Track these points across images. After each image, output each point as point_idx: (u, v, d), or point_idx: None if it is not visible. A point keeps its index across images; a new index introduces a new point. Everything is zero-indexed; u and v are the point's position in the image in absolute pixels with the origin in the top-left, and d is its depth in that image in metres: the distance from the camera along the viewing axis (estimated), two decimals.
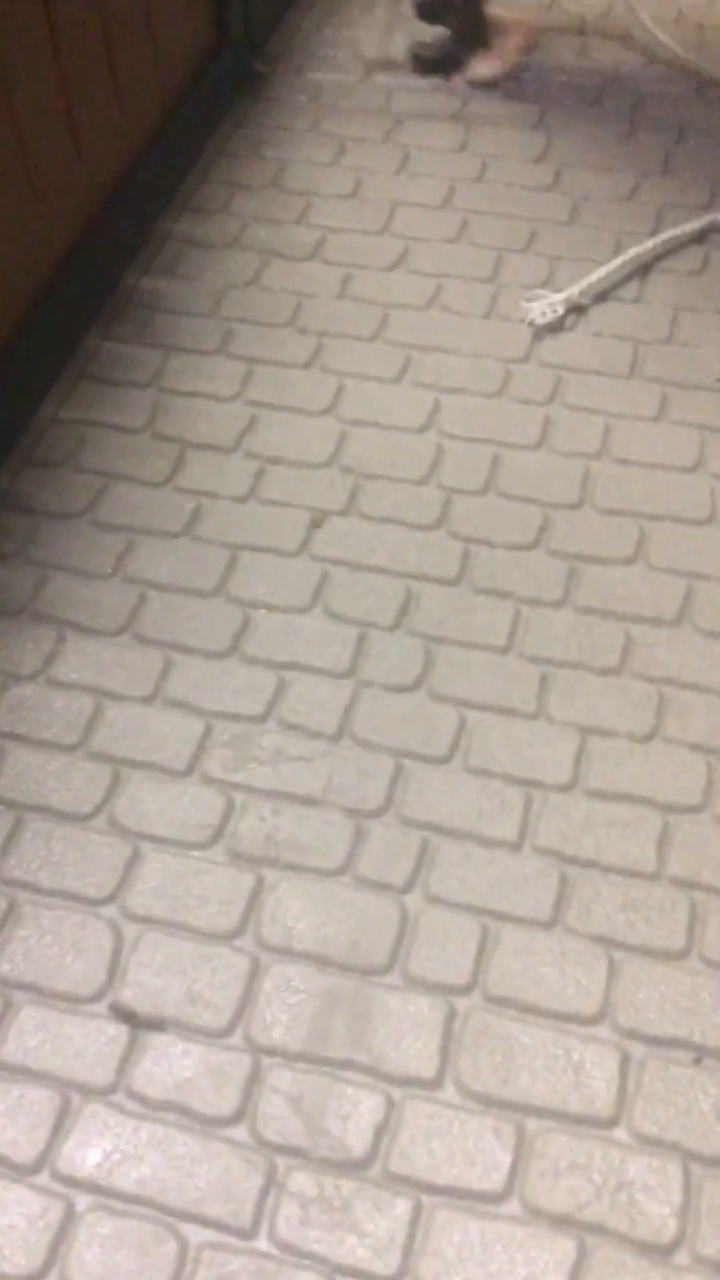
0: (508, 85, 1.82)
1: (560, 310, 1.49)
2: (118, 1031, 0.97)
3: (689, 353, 1.45)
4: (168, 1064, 0.95)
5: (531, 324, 1.48)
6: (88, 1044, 0.96)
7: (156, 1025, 0.97)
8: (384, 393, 1.43)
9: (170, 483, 1.35)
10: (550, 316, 1.48)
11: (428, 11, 1.83)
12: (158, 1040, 0.96)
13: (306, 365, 1.47)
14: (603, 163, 1.70)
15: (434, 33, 1.84)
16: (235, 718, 1.16)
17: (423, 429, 1.39)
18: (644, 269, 1.55)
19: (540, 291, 1.52)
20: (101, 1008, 0.98)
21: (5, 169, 1.31)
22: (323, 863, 1.05)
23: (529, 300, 1.50)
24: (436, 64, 1.84)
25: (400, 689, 1.17)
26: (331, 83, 1.84)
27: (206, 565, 1.27)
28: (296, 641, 1.21)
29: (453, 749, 1.13)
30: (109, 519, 1.32)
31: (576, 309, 1.50)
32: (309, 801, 1.09)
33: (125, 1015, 0.97)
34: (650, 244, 1.55)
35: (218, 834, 1.08)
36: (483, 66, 1.83)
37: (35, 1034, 0.97)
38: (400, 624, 1.22)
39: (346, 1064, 0.95)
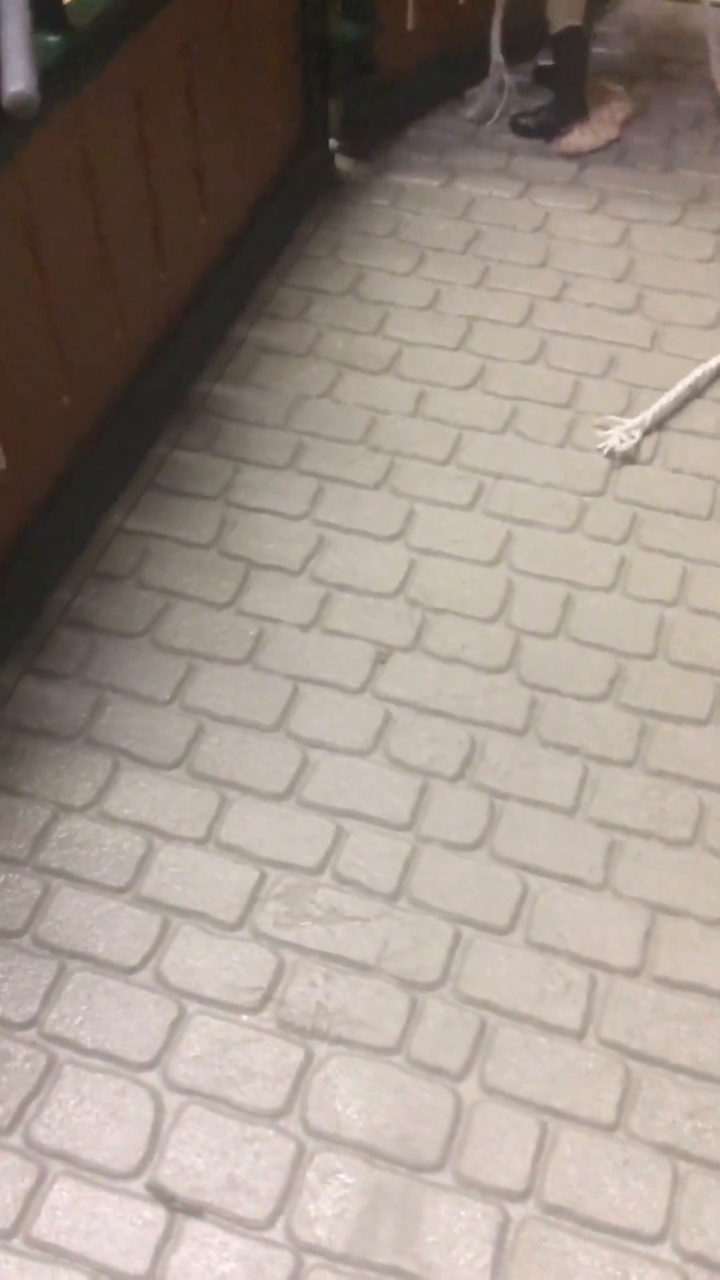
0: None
1: (637, 436, 1.46)
2: (154, 1215, 0.93)
3: None
4: (206, 1256, 0.91)
5: (610, 453, 1.45)
6: (123, 1226, 0.92)
7: (195, 1211, 0.93)
8: (455, 520, 1.41)
9: (234, 605, 1.32)
10: (628, 443, 1.45)
11: (539, 75, 1.92)
12: (196, 1229, 0.92)
13: (377, 486, 1.44)
14: (686, 285, 1.67)
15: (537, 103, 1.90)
16: (290, 867, 1.12)
17: (493, 563, 1.36)
18: None
19: (614, 418, 1.49)
20: (139, 1186, 0.94)
21: (92, 285, 1.30)
22: (375, 1039, 1.01)
23: (604, 427, 1.47)
24: (535, 130, 1.89)
25: (461, 848, 1.13)
26: (414, 186, 1.83)
27: (267, 698, 1.24)
28: (356, 788, 1.17)
29: (514, 920, 1.08)
30: (170, 641, 1.29)
31: (655, 427, 1.47)
32: (363, 968, 1.05)
33: (163, 1197, 0.93)
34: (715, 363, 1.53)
35: (266, 998, 1.04)
36: (580, 138, 1.86)
37: (69, 1211, 0.93)
38: (464, 775, 1.18)
39: (392, 1271, 0.90)
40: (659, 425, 1.48)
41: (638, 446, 1.46)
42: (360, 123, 1.87)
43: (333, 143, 1.85)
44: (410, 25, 1.84)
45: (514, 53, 2.02)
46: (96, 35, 1.21)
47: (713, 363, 1.54)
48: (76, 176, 1.24)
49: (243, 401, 1.53)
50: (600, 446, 1.47)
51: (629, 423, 1.47)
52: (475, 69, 1.98)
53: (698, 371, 1.52)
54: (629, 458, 1.46)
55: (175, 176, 1.43)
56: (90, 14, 1.22)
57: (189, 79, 1.41)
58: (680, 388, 1.50)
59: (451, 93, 1.98)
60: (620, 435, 1.47)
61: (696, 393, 1.52)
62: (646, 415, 1.48)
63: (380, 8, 1.76)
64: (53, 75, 1.14)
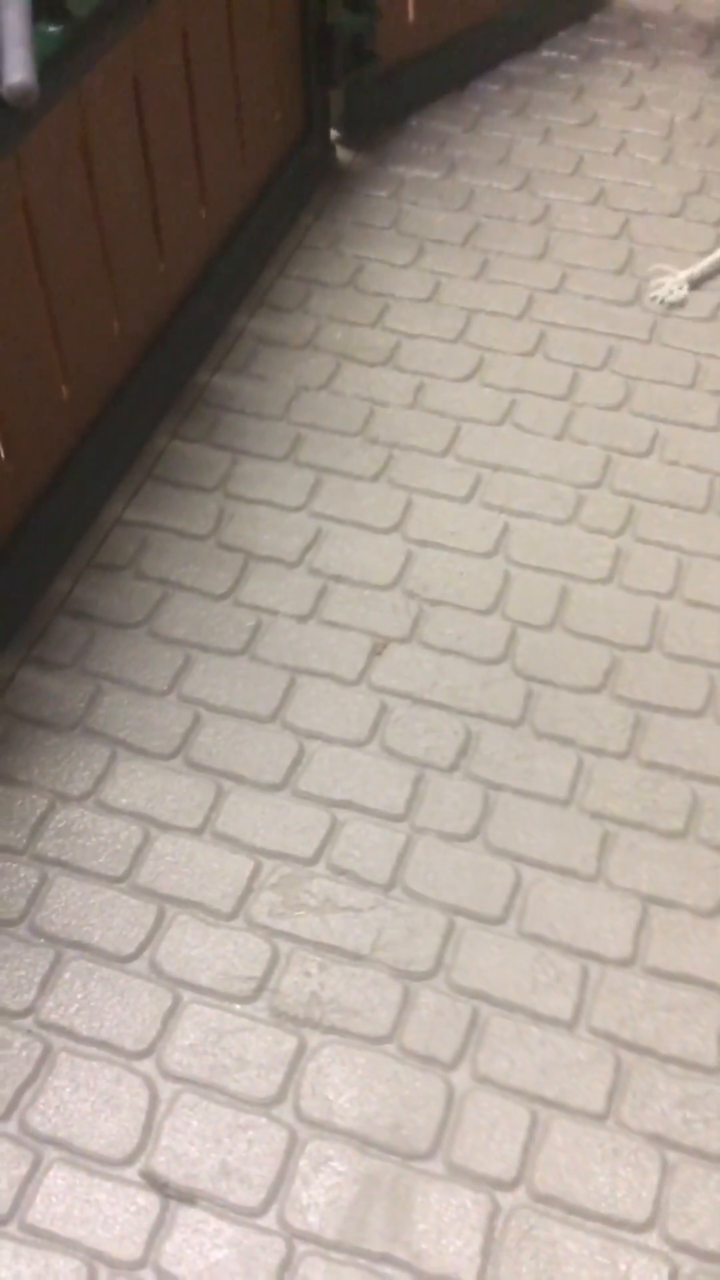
0: None
1: (685, 289, 1.60)
2: (148, 1201, 0.94)
3: None
4: (199, 1242, 0.92)
5: (661, 302, 1.59)
6: (117, 1212, 0.93)
7: (188, 1198, 0.94)
8: (452, 512, 1.41)
9: (231, 596, 1.33)
10: (677, 295, 1.59)
11: None
12: (189, 1215, 0.93)
13: (375, 478, 1.44)
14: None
15: None
16: (285, 858, 1.13)
17: (490, 554, 1.37)
18: None
19: (664, 267, 1.62)
20: (133, 1173, 0.95)
21: (91, 276, 1.30)
22: (368, 1028, 1.02)
23: (658, 277, 1.63)
24: None
25: (456, 838, 1.14)
26: (414, 178, 1.83)
27: (264, 688, 1.25)
28: (352, 778, 1.18)
29: (507, 910, 1.09)
30: (168, 631, 1.30)
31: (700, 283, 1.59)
32: (356, 958, 1.06)
33: (157, 1184, 0.94)
34: None
35: (261, 988, 1.04)
36: (666, 286, 1.81)
37: (64, 1197, 0.94)
38: (459, 766, 1.19)
39: (384, 1258, 0.91)
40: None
41: (685, 299, 1.60)
42: (361, 114, 1.87)
43: (333, 134, 1.85)
44: (411, 17, 1.83)
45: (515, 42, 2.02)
46: (96, 25, 1.21)
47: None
48: (75, 167, 1.24)
49: (241, 393, 1.53)
50: (653, 295, 1.61)
51: (680, 275, 1.62)
52: (479, 59, 1.98)
53: None
54: (625, 450, 1.46)
55: (174, 167, 1.43)
56: (90, 3, 1.22)
57: (188, 69, 1.41)
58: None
59: (455, 84, 1.98)
60: (671, 287, 1.60)
61: None
62: (695, 269, 1.63)
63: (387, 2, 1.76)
64: (52, 65, 1.14)
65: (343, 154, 1.87)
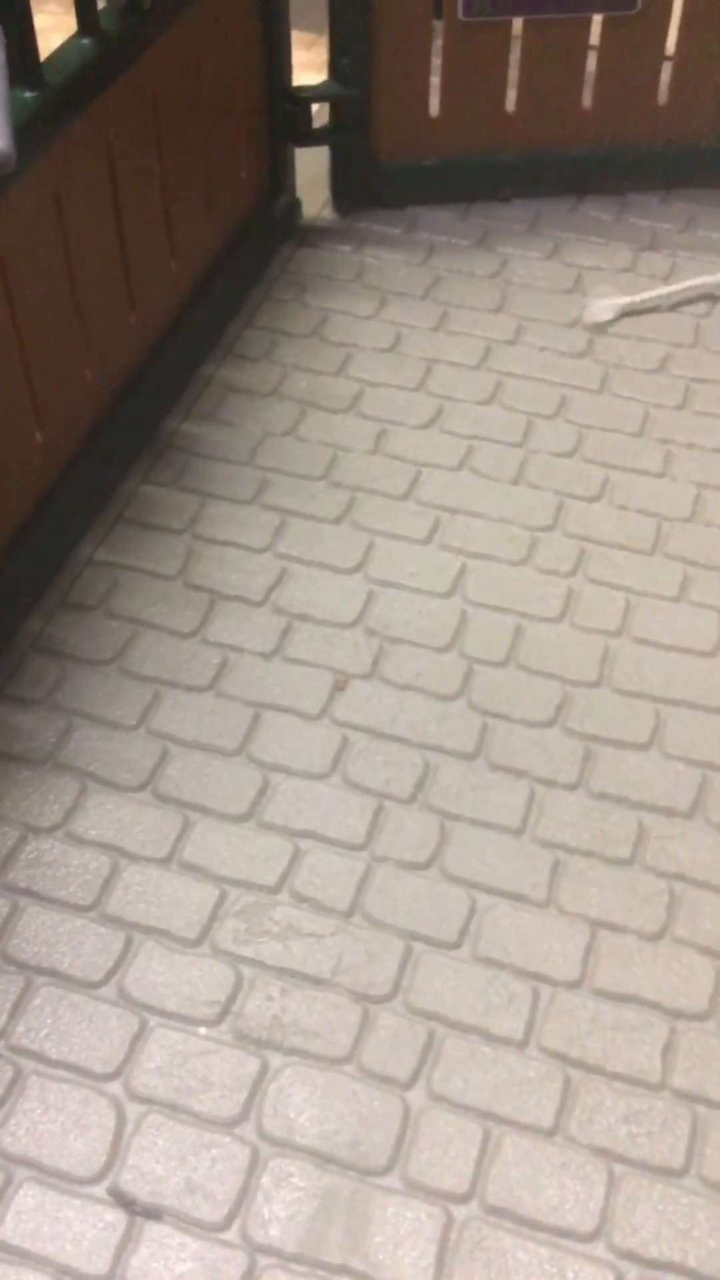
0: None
1: (614, 315, 1.72)
2: (115, 1218, 0.97)
3: (712, 533, 1.49)
4: (164, 1257, 0.95)
5: (594, 325, 1.71)
6: (86, 1229, 0.97)
7: (154, 1214, 0.97)
8: (412, 553, 1.47)
9: (199, 634, 1.38)
10: (604, 318, 1.71)
11: None
12: (155, 1231, 0.96)
13: (338, 520, 1.50)
14: (636, 331, 1.75)
15: None
16: (249, 886, 1.17)
17: (448, 594, 1.43)
18: (667, 442, 1.59)
19: (607, 289, 1.75)
20: (101, 1190, 0.98)
21: (65, 328, 1.36)
22: (328, 1050, 1.06)
23: (594, 300, 1.75)
24: None
25: (413, 866, 1.19)
26: (376, 233, 1.90)
27: (229, 723, 1.29)
28: (314, 810, 1.23)
29: (462, 935, 1.14)
30: (137, 668, 1.34)
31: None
32: (317, 982, 1.10)
33: (124, 1201, 0.98)
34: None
35: (225, 1011, 1.08)
36: (600, 306, 1.77)
37: (34, 1215, 0.97)
38: (416, 797, 1.24)
39: (342, 1270, 0.95)
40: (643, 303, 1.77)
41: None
42: (345, 183, 1.92)
43: (326, 196, 1.91)
44: (436, 112, 1.83)
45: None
46: (70, 90, 1.28)
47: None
48: (49, 225, 1.30)
49: (209, 439, 1.59)
50: (583, 307, 1.75)
51: (620, 300, 1.76)
52: (509, 184, 1.94)
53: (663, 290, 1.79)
54: (576, 495, 1.53)
55: (145, 224, 1.50)
56: (65, 70, 1.28)
57: (158, 131, 1.48)
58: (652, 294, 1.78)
59: (469, 198, 1.94)
60: (602, 309, 1.74)
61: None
62: (635, 298, 1.76)
63: (399, 87, 1.79)
64: (28, 130, 1.20)
65: (328, 215, 1.93)
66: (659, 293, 1.77)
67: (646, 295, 1.76)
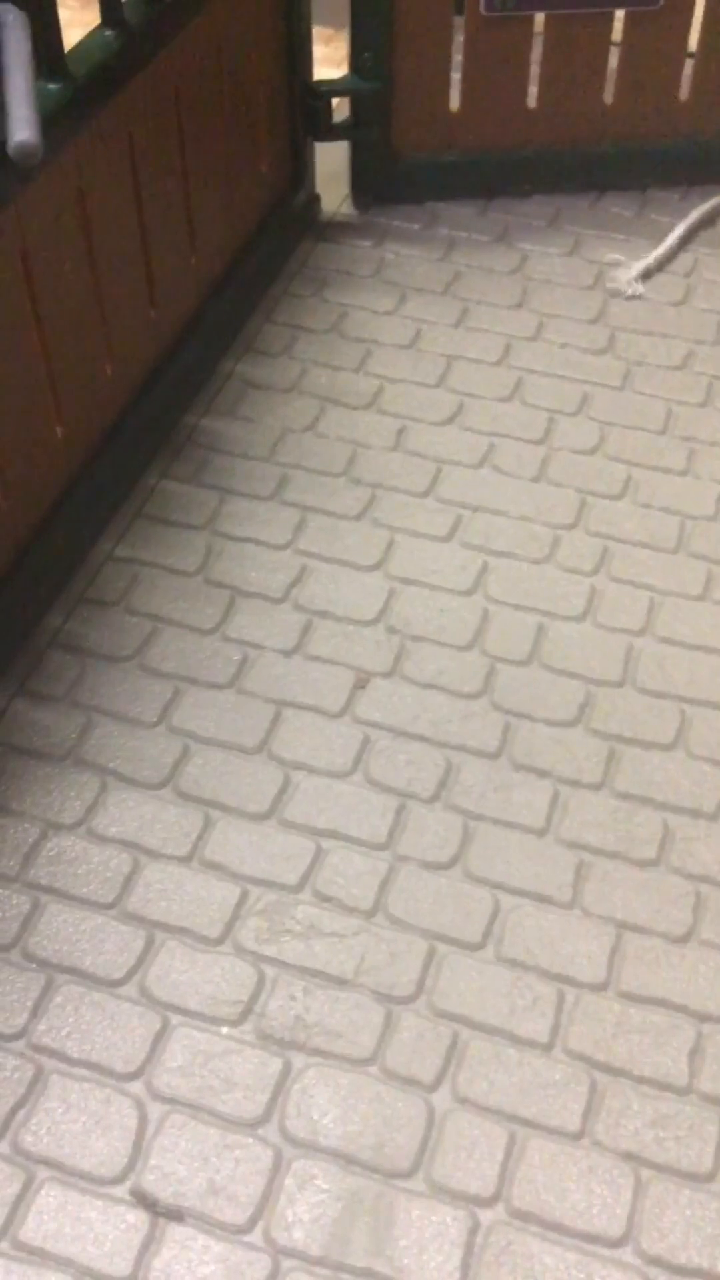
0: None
1: (640, 285, 1.74)
2: (137, 1219, 0.96)
3: None
4: (187, 1259, 0.94)
5: (619, 295, 1.73)
6: (107, 1230, 0.96)
7: (176, 1216, 0.96)
8: (433, 551, 1.46)
9: (219, 631, 1.37)
10: (635, 289, 1.73)
11: None
12: (177, 1232, 0.95)
13: (358, 517, 1.49)
14: (658, 328, 1.74)
15: None
16: (271, 885, 1.16)
17: (469, 592, 1.41)
18: (690, 440, 1.58)
19: (617, 257, 1.77)
20: (123, 1191, 0.98)
21: (85, 322, 1.35)
22: (351, 1051, 1.05)
23: (614, 268, 1.77)
24: None
25: (436, 867, 1.18)
26: (396, 228, 1.89)
27: (250, 721, 1.29)
28: (336, 808, 1.22)
29: (486, 936, 1.13)
30: (157, 665, 1.33)
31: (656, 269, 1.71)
32: (340, 982, 1.09)
33: (146, 1202, 0.97)
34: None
35: (247, 1011, 1.07)
36: (623, 279, 1.78)
37: (55, 1215, 0.96)
38: (439, 797, 1.23)
39: (366, 1273, 0.94)
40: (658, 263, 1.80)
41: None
42: (365, 178, 1.91)
43: (346, 192, 1.90)
44: (456, 107, 1.83)
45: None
46: (94, 82, 1.27)
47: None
48: (72, 219, 1.29)
49: (229, 434, 1.58)
50: (609, 287, 1.76)
51: (635, 266, 1.79)
52: (529, 180, 1.92)
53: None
54: (599, 493, 1.52)
55: (166, 218, 1.49)
56: (88, 62, 1.28)
57: (180, 124, 1.47)
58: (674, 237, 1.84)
59: (489, 193, 1.93)
60: (628, 279, 1.76)
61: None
62: (650, 261, 1.80)
63: (420, 82, 1.78)
64: (52, 121, 1.19)
65: (330, 205, 1.93)
66: (669, 243, 1.81)
67: (659, 250, 1.80)
